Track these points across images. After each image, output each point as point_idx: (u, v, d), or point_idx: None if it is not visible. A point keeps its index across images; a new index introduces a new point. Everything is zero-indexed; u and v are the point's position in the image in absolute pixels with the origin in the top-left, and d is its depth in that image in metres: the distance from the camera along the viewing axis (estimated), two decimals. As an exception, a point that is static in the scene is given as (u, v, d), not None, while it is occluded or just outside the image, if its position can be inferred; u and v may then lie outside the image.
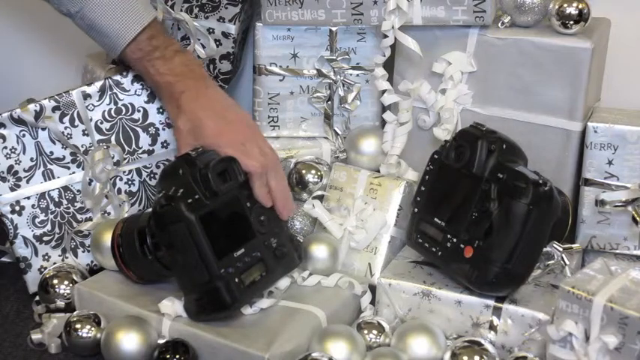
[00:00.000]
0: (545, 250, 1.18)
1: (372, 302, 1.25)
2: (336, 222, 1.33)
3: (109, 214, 1.33)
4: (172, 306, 1.17)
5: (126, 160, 1.33)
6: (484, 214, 1.17)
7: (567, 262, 1.19)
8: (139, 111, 1.34)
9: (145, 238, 1.19)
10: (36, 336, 1.21)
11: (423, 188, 1.27)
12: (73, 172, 1.31)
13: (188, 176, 1.16)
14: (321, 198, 1.37)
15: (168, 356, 1.12)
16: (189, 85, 1.27)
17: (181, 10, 1.42)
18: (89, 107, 1.31)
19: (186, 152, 1.20)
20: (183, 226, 1.13)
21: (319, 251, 1.28)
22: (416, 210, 1.27)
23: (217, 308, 1.15)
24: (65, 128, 1.30)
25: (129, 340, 1.14)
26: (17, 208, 1.28)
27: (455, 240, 1.20)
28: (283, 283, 1.24)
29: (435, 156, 1.26)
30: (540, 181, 1.14)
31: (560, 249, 1.19)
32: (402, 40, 1.34)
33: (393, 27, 1.34)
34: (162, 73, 1.28)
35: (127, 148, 1.34)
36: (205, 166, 1.16)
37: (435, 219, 1.23)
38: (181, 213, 1.13)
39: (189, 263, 1.14)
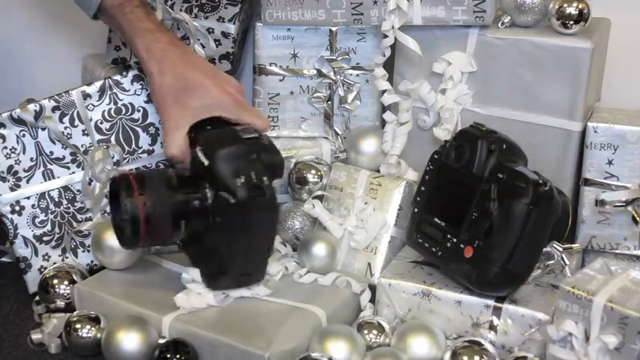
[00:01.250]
0: (545, 250, 1.18)
1: (372, 302, 1.25)
2: (336, 222, 1.33)
3: (109, 214, 1.33)
4: (188, 299, 1.18)
5: (126, 160, 1.33)
6: (484, 214, 1.17)
7: (567, 262, 1.19)
8: (138, 111, 1.34)
9: (179, 219, 1.17)
10: (36, 336, 1.21)
11: (423, 188, 1.27)
12: (73, 172, 1.31)
13: (260, 162, 1.16)
14: (321, 198, 1.37)
15: (168, 356, 1.12)
16: (171, 38, 1.26)
17: (181, 10, 1.42)
18: (89, 107, 1.31)
19: (232, 130, 1.19)
20: (271, 214, 1.17)
21: (318, 249, 1.28)
22: (416, 210, 1.27)
23: (259, 280, 1.22)
24: (65, 128, 1.30)
25: (129, 340, 1.14)
26: (17, 208, 1.28)
27: (455, 240, 1.20)
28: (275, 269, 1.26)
29: (435, 156, 1.26)
30: (540, 181, 1.14)
31: (560, 249, 1.19)
32: (402, 40, 1.34)
33: (393, 27, 1.34)
34: (143, 20, 1.25)
35: (126, 148, 1.34)
36: (279, 153, 1.19)
37: (435, 219, 1.23)
38: (273, 203, 1.16)
39: (254, 246, 1.17)
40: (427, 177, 1.26)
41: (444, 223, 1.22)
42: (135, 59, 1.33)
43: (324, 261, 1.29)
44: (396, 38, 1.35)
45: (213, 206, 1.16)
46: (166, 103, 1.22)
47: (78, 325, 1.18)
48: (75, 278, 1.27)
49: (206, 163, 1.16)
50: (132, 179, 1.16)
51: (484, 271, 1.16)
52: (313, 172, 1.39)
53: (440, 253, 1.22)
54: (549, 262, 1.20)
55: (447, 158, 1.23)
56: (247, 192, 1.14)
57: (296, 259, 1.30)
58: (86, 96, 1.31)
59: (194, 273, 1.21)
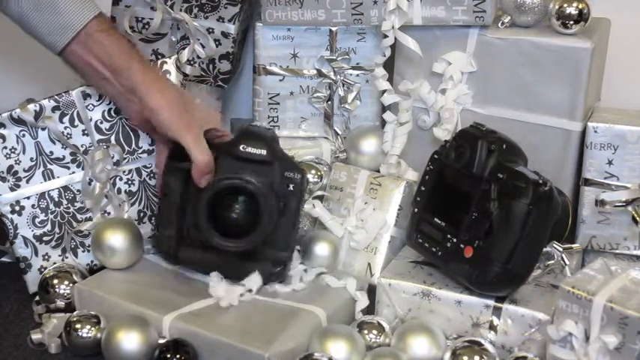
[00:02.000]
0: (545, 250, 1.18)
1: (373, 302, 1.25)
2: (337, 221, 1.33)
3: (109, 213, 1.33)
4: (224, 292, 1.19)
5: (126, 160, 1.33)
6: (484, 214, 1.17)
7: (567, 262, 1.19)
8: (138, 111, 1.34)
9: None
10: (36, 336, 1.21)
11: (423, 188, 1.27)
12: (73, 172, 1.31)
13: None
14: (321, 198, 1.36)
15: (168, 355, 1.12)
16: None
17: (181, 10, 1.42)
18: (89, 107, 1.31)
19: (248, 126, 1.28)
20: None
21: (320, 249, 1.28)
22: (416, 210, 1.27)
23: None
24: (65, 128, 1.30)
25: (129, 340, 1.14)
26: (17, 208, 1.28)
27: (455, 240, 1.20)
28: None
29: (435, 156, 1.26)
30: (540, 181, 1.14)
31: (560, 249, 1.19)
32: (402, 40, 1.34)
33: (393, 27, 1.34)
34: (131, 44, 1.26)
35: (126, 148, 1.33)
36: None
37: (435, 219, 1.23)
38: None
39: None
40: (427, 177, 1.26)
41: (444, 223, 1.22)
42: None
43: (326, 261, 1.29)
44: (396, 38, 1.35)
45: (278, 191, 1.22)
46: (179, 115, 1.23)
47: (78, 325, 1.18)
48: (75, 278, 1.27)
49: (265, 152, 1.22)
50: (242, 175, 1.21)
51: (484, 271, 1.16)
52: (313, 172, 1.39)
53: (440, 253, 1.22)
54: (549, 262, 1.20)
55: (447, 158, 1.23)
56: (303, 170, 1.25)
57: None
58: (86, 96, 1.31)
59: (255, 278, 1.22)
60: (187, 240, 1.25)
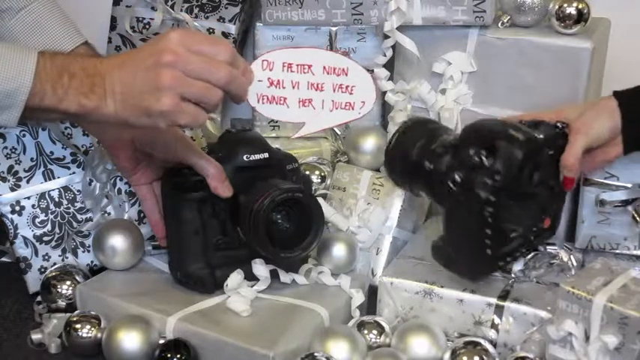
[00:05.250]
0: (550, 249, 1.19)
1: (374, 303, 1.25)
2: (340, 216, 1.32)
3: (109, 214, 1.33)
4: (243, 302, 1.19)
5: (126, 160, 1.33)
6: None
7: (575, 264, 1.20)
8: (139, 111, 1.34)
9: None
10: (36, 336, 1.21)
11: None
12: (73, 172, 1.31)
13: None
14: (324, 197, 1.36)
15: (169, 355, 1.12)
16: None
17: (181, 10, 1.42)
18: (89, 107, 1.31)
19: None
20: None
21: (337, 250, 1.27)
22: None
23: None
24: (65, 128, 1.30)
25: (130, 340, 1.14)
26: (17, 208, 1.28)
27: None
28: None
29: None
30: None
31: (570, 249, 1.20)
32: (400, 40, 1.35)
33: (392, 27, 1.34)
34: None
35: (127, 148, 1.33)
36: None
37: None
38: None
39: None
40: None
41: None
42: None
43: (343, 261, 1.28)
44: (396, 38, 1.35)
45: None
46: (182, 135, 1.22)
47: (78, 325, 1.18)
48: (77, 278, 1.27)
49: (267, 155, 1.22)
50: None
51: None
52: (317, 172, 1.39)
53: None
54: (553, 261, 1.20)
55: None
56: (290, 155, 1.30)
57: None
58: (86, 96, 1.30)
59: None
60: (217, 263, 1.22)
